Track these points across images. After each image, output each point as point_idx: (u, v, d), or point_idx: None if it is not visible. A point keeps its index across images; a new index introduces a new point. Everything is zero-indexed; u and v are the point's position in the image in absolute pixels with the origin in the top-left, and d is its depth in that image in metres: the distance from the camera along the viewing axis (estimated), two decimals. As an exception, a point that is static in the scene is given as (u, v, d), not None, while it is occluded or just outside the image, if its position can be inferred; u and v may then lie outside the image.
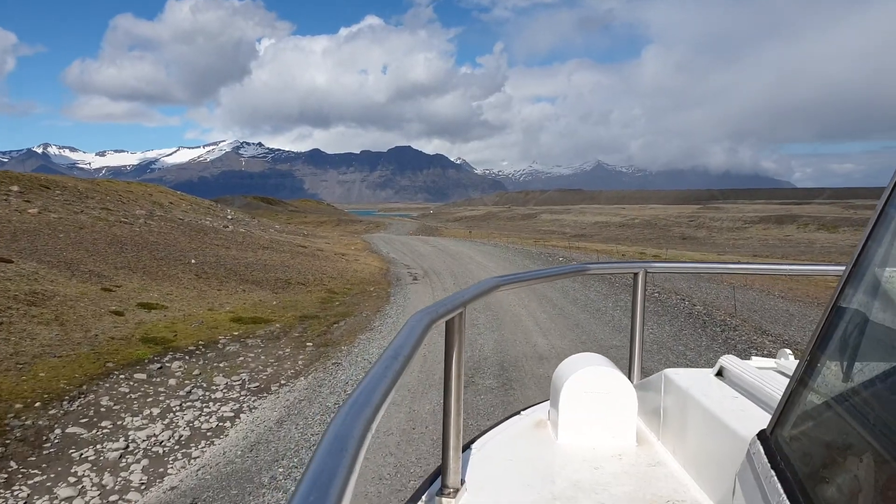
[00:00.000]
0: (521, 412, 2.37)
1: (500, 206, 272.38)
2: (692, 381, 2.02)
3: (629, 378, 2.44)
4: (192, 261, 16.08)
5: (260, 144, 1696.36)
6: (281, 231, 38.39)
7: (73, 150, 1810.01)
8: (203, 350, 10.31)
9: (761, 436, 1.27)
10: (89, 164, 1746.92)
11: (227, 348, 10.55)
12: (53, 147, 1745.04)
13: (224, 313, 12.82)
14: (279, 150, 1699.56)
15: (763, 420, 1.36)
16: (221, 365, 9.64)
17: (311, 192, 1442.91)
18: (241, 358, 10.04)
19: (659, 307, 14.31)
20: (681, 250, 44.64)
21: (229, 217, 38.72)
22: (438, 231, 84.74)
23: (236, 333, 11.46)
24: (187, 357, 9.87)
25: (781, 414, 1.22)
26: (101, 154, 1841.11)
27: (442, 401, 1.67)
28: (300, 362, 9.82)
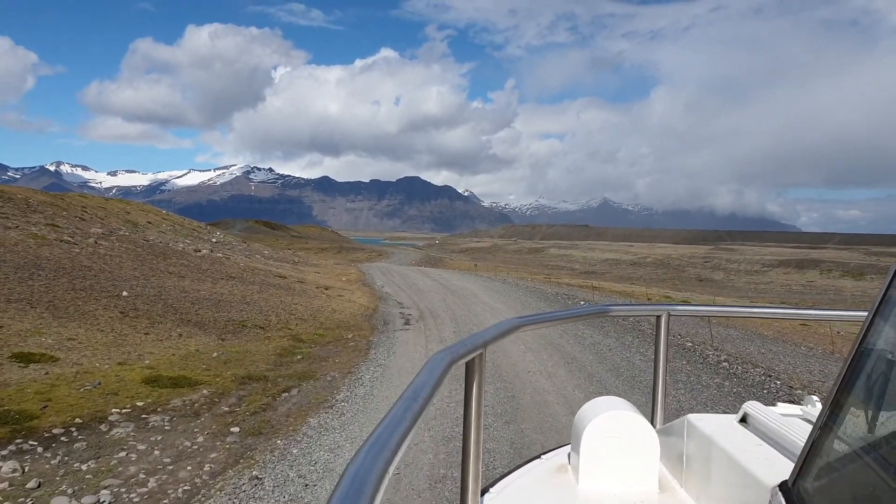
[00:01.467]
0: (542, 456, 2.29)
1: (506, 238, 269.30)
2: (716, 427, 1.98)
3: (652, 423, 2.35)
4: (125, 293, 12.68)
5: (270, 170, 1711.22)
6: (269, 258, 35.08)
7: (85, 168, 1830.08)
8: (75, 434, 6.85)
9: (783, 487, 1.24)
10: (100, 182, 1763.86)
11: (114, 432, 7.06)
12: (66, 165, 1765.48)
13: (139, 369, 9.36)
14: (289, 176, 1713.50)
15: (788, 469, 1.36)
16: (85, 467, 6.13)
17: (319, 218, 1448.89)
18: (125, 452, 6.53)
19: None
20: (699, 293, 41.01)
21: (213, 241, 35.53)
22: (442, 262, 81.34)
23: (141, 404, 7.99)
24: (41, 448, 6.42)
25: (804, 464, 1.20)
26: (113, 174, 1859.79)
27: (461, 444, 1.62)
28: (207, 467, 6.29)
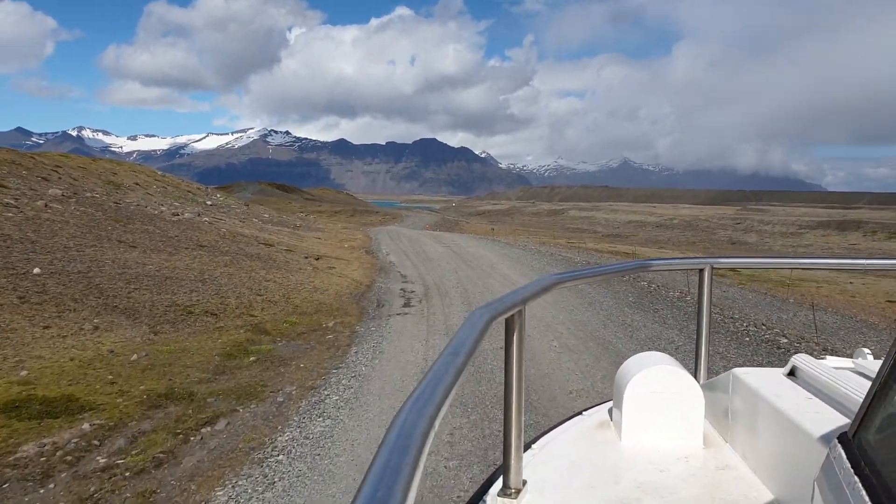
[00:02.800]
0: (583, 412, 2.28)
1: (524, 200, 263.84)
2: (762, 381, 1.93)
3: (695, 378, 2.24)
4: (36, 270, 9.81)
5: (287, 133, 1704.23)
6: (267, 222, 32.22)
7: (106, 133, 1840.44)
8: None
9: (842, 439, 1.22)
10: (121, 147, 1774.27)
11: None
12: (88, 130, 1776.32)
13: (4, 385, 6.53)
14: (306, 138, 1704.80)
15: (841, 423, 1.32)
16: None
17: (336, 181, 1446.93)
18: None
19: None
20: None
21: (209, 203, 32.75)
22: (458, 226, 78.06)
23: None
24: None
25: (865, 416, 1.18)
26: (133, 138, 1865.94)
27: (503, 400, 1.59)
28: None
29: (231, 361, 8.12)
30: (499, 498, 1.59)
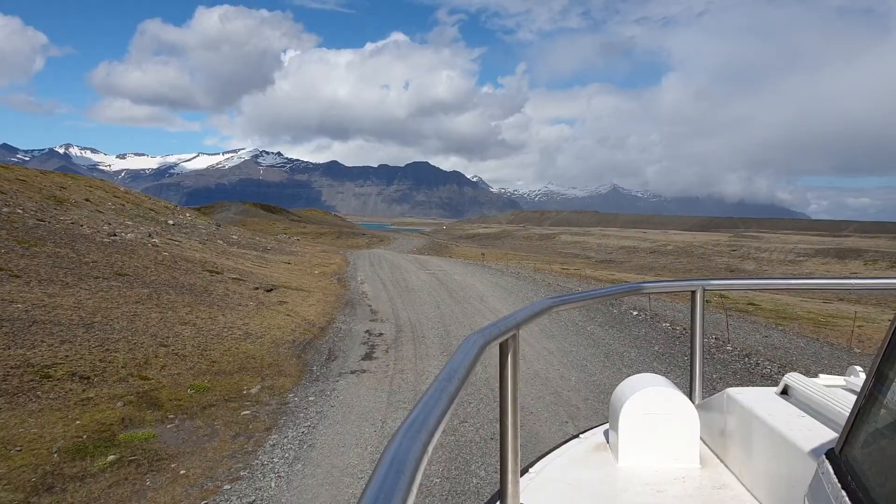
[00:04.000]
0: (580, 435, 2.28)
1: (514, 224, 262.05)
2: (756, 400, 1.95)
3: (690, 398, 2.25)
4: None
5: (279, 154, 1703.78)
6: (233, 244, 29.28)
7: (94, 151, 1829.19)
8: None
9: (830, 455, 1.24)
10: (109, 166, 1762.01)
11: None
12: (75, 148, 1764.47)
13: None
14: (298, 160, 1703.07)
15: (832, 440, 1.34)
16: None
17: (328, 203, 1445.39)
18: None
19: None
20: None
21: (171, 223, 29.79)
22: (447, 250, 75.39)
23: None
24: None
25: (850, 432, 1.20)
26: (122, 157, 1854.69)
27: (498, 424, 1.61)
28: None
29: (75, 464, 5.22)
30: None
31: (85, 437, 5.77)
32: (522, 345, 9.95)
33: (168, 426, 6.24)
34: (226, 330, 9.60)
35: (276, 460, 5.46)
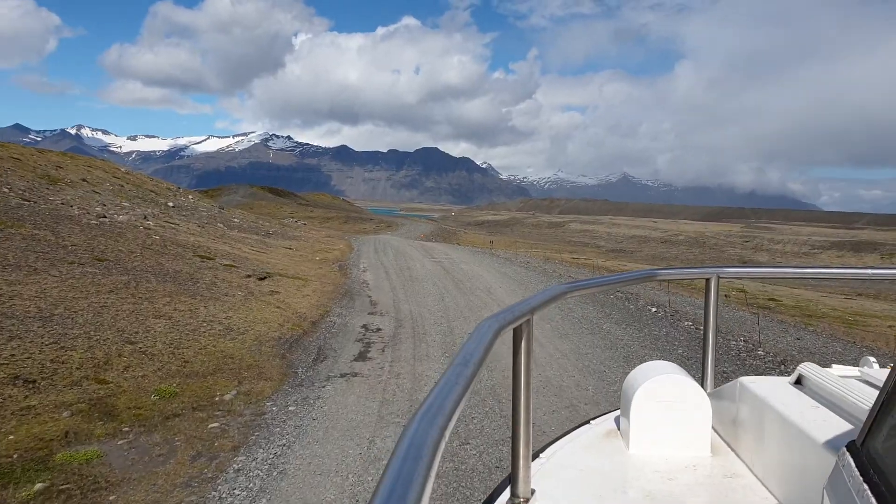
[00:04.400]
0: (591, 421, 2.26)
1: (524, 212, 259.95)
2: (769, 389, 1.93)
3: (702, 386, 2.19)
4: None
5: (289, 138, 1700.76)
6: (233, 227, 28.45)
7: (105, 132, 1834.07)
8: None
9: (851, 447, 1.24)
10: (120, 147, 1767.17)
11: None
12: (87, 129, 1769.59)
13: None
14: (307, 144, 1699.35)
15: (847, 431, 1.32)
16: None
17: (337, 188, 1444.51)
18: None
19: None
20: (760, 279, 33.54)
21: (170, 205, 28.97)
22: (455, 237, 74.39)
23: None
24: None
25: (873, 424, 1.19)
26: (133, 138, 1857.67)
27: (511, 410, 1.60)
28: None
29: (-7, 493, 4.33)
30: None
31: (15, 456, 4.88)
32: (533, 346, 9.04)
33: (119, 442, 5.34)
34: (205, 324, 8.68)
35: (236, 492, 4.53)
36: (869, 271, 2.71)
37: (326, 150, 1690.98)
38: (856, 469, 1.14)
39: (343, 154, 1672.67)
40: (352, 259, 23.61)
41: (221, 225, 27.64)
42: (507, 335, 1.41)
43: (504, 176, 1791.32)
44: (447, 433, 0.82)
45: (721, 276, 2.45)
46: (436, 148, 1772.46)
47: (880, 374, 1.85)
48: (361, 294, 14.30)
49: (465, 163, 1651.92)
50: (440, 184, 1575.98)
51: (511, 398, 1.59)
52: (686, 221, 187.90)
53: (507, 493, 1.61)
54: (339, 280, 16.41)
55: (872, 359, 2.04)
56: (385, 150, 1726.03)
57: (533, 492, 1.63)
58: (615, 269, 29.27)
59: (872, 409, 1.21)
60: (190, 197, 38.87)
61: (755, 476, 1.82)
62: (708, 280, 2.43)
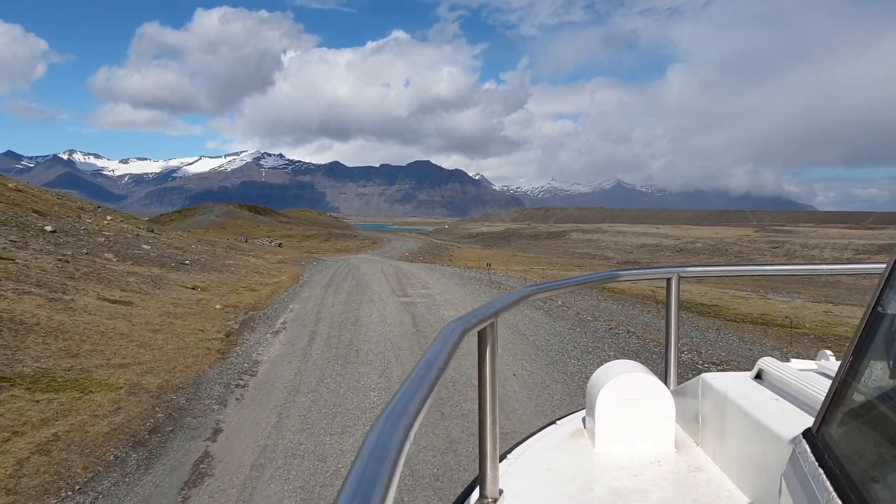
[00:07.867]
0: (557, 422, 2.31)
1: (518, 222, 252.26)
2: (730, 384, 1.99)
3: (665, 384, 2.31)
4: None
5: (280, 156, 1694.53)
6: (129, 258, 20.49)
7: (97, 156, 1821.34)
8: None
9: (807, 434, 1.26)
10: (113, 171, 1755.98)
11: None
12: (79, 153, 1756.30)
13: None
14: (299, 161, 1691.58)
15: (806, 422, 1.37)
16: None
17: (331, 204, 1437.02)
18: None
19: None
20: (838, 304, 26.07)
21: (47, 229, 21.08)
22: (446, 253, 66.16)
23: None
24: None
25: (827, 412, 1.22)
26: (125, 161, 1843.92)
27: (477, 411, 1.62)
28: None
29: None
30: None
31: None
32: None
33: None
34: None
35: None
36: (825, 267, 2.77)
37: (318, 167, 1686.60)
38: (812, 455, 1.17)
39: (335, 170, 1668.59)
40: (276, 304, 15.66)
41: (111, 255, 19.72)
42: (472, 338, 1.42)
43: (497, 187, 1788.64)
44: (412, 434, 0.82)
45: (682, 275, 2.52)
46: (428, 161, 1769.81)
47: (836, 366, 1.82)
48: (207, 416, 6.36)
49: (458, 175, 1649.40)
50: (433, 197, 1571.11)
51: (476, 400, 1.59)
52: (689, 227, 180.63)
53: (475, 494, 1.63)
54: (201, 368, 8.46)
55: (829, 352, 2.14)
56: (377, 165, 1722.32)
57: (501, 492, 1.66)
58: (660, 297, 21.47)
59: (826, 398, 1.24)
60: (108, 218, 30.99)
61: (719, 469, 1.86)
62: (669, 280, 2.49)
